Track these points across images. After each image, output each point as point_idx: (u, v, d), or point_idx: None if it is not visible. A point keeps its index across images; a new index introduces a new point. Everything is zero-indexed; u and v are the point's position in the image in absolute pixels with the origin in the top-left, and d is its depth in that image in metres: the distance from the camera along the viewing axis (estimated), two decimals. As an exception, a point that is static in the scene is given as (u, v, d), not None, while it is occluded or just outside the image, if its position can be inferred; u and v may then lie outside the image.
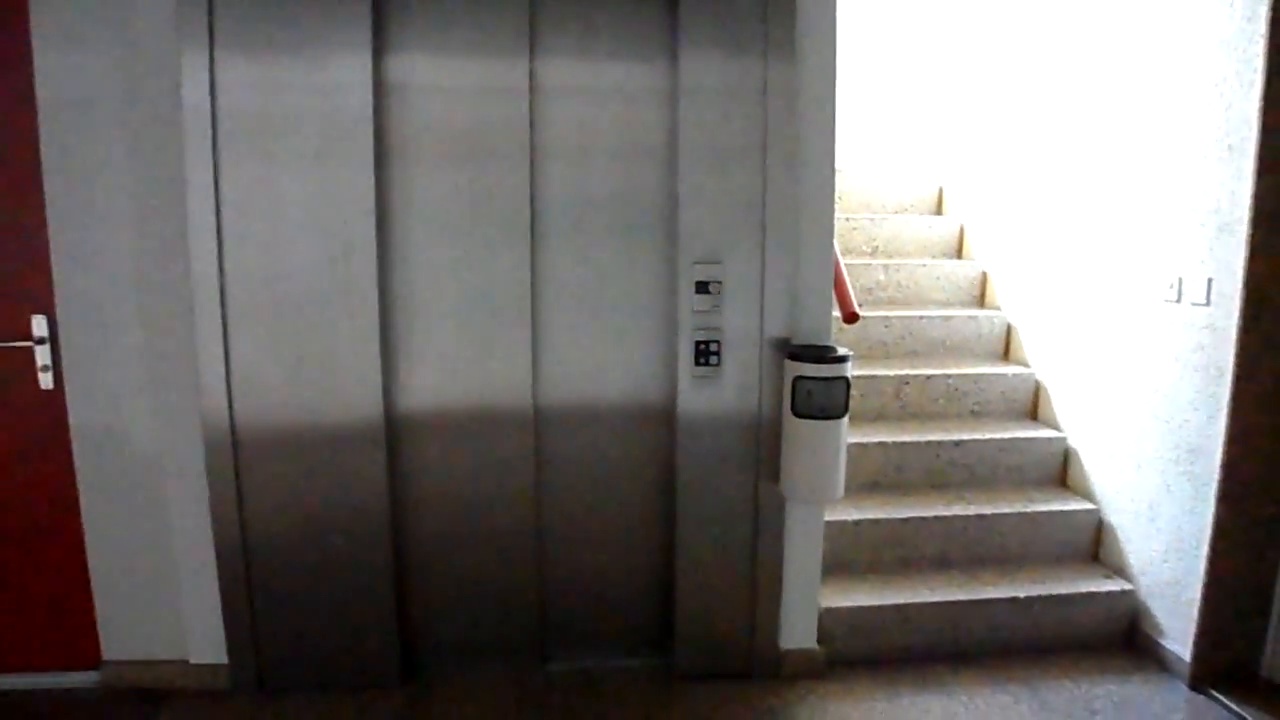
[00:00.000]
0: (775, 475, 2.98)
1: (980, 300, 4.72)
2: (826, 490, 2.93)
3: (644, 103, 2.86)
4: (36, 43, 2.63)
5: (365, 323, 2.76)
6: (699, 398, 2.93)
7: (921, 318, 4.40)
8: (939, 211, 5.25)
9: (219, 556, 2.85)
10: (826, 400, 2.82)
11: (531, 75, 2.79)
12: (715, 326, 2.88)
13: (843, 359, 2.82)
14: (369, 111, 2.69)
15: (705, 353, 2.89)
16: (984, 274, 4.72)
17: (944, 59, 5.33)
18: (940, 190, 5.26)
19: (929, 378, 4.13)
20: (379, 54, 2.71)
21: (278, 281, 2.73)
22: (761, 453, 2.97)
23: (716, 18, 2.78)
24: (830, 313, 2.99)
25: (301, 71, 2.65)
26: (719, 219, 2.85)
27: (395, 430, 2.89)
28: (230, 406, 2.75)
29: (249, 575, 2.87)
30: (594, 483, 3.05)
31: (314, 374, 2.77)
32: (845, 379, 2.82)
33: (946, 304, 4.67)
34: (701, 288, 2.86)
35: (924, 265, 4.70)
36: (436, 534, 3.00)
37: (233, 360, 2.72)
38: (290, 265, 2.73)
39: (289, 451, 2.81)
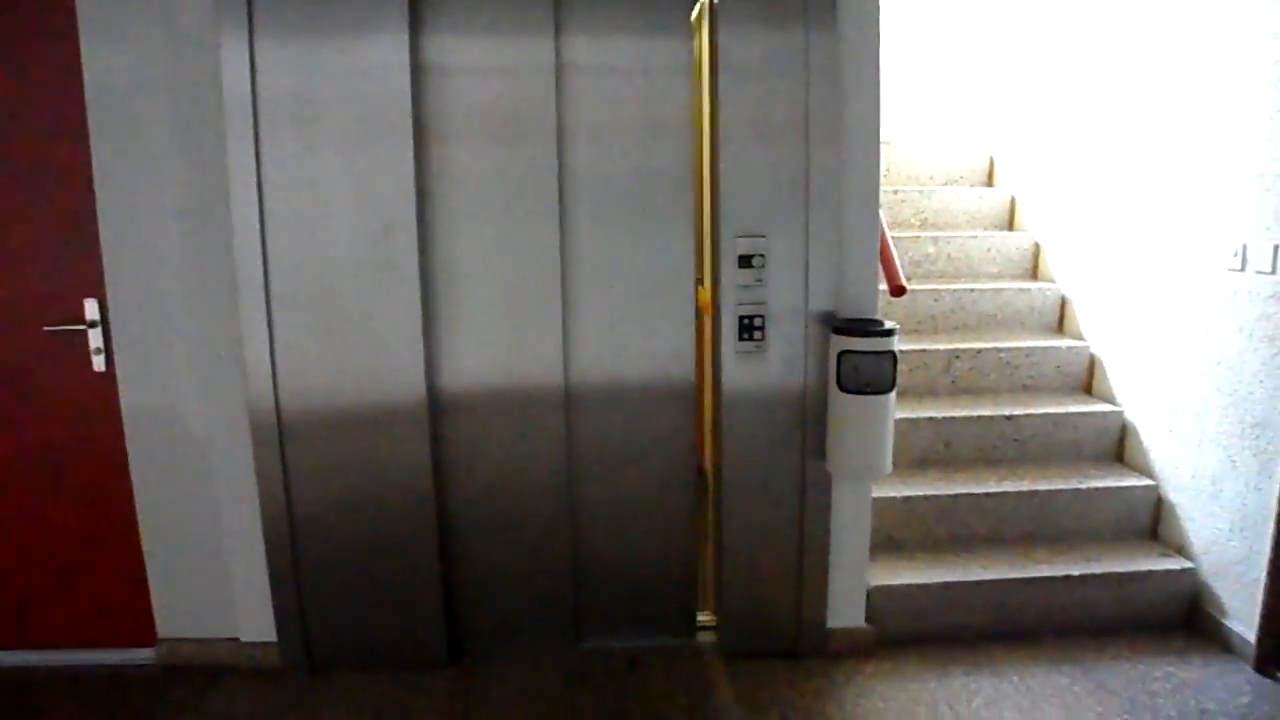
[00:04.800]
0: (822, 452, 2.93)
1: (1033, 273, 4.59)
2: (874, 467, 2.87)
3: (676, 77, 2.82)
4: (83, 31, 2.66)
5: (407, 301, 2.76)
6: (743, 373, 2.89)
7: (972, 291, 4.29)
8: (989, 183, 5.11)
9: (267, 537, 2.89)
10: (873, 375, 2.77)
11: (557, 53, 2.77)
12: (759, 301, 2.83)
13: (889, 332, 2.76)
14: (407, 92, 2.68)
15: (749, 328, 2.84)
16: (1036, 245, 4.59)
17: (994, 25, 5.18)
18: (991, 161, 5.12)
19: (980, 352, 4.03)
20: (415, 34, 2.69)
21: (320, 263, 2.74)
22: (807, 429, 2.93)
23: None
24: (876, 286, 2.92)
25: (339, 52, 2.65)
26: (762, 193, 2.80)
27: (438, 409, 2.89)
28: (275, 387, 2.77)
29: (296, 555, 2.91)
30: (628, 460, 3.04)
31: (357, 353, 2.79)
32: (892, 353, 2.76)
33: (998, 277, 4.56)
34: (745, 262, 2.81)
35: (974, 237, 4.58)
36: (477, 513, 3.01)
37: (277, 341, 2.75)
38: (332, 246, 2.74)
39: (334, 432, 2.83)
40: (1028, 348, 4.06)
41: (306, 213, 2.71)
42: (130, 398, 2.87)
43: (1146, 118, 3.63)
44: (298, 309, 2.74)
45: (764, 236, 2.81)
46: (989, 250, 4.56)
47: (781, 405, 2.92)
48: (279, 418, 2.80)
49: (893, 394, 2.80)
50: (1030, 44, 4.70)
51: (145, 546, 2.98)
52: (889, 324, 2.78)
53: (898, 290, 3.22)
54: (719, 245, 2.84)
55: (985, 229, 4.79)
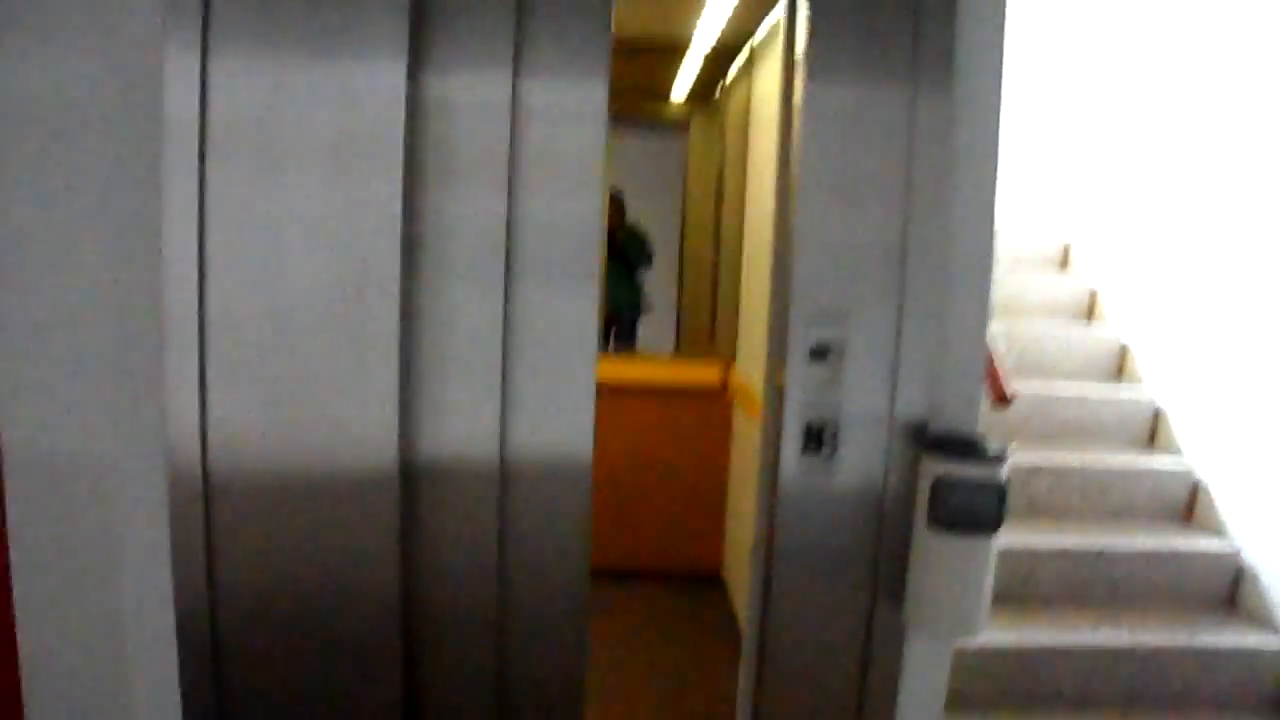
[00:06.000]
0: (898, 596, 2.32)
1: (1118, 372, 4.01)
2: (963, 623, 2.25)
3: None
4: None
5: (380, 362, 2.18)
6: (804, 490, 2.29)
7: (1054, 397, 3.70)
8: (1064, 269, 4.55)
9: (180, 625, 2.22)
10: (973, 509, 2.16)
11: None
12: (832, 404, 2.25)
13: (999, 458, 2.16)
14: (399, 125, 2.12)
15: (817, 436, 2.25)
16: (1121, 343, 4.01)
17: (1070, 103, 4.66)
18: (1066, 247, 4.57)
19: (1062, 469, 3.43)
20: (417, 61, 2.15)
21: (274, 313, 2.16)
22: (881, 567, 2.32)
23: (850, 31, 2.19)
24: (981, 392, 2.34)
25: (316, 77, 2.10)
26: (845, 267, 2.23)
27: (411, 491, 2.27)
28: (204, 452, 2.16)
29: (217, 650, 2.24)
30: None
31: (311, 418, 2.19)
32: (1000, 484, 2.16)
33: (1074, 374, 3.97)
34: (818, 355, 2.23)
35: (1050, 329, 4.01)
36: (456, 608, 2.36)
37: (210, 402, 2.14)
38: (290, 294, 2.16)
39: (276, 509, 2.21)
40: (1119, 468, 3.45)
41: (261, 254, 2.13)
42: (12, 433, 2.26)
43: (1256, 198, 3.07)
44: (242, 363, 2.15)
45: (844, 322, 2.23)
46: (1066, 345, 3.99)
47: (850, 534, 2.31)
48: (207, 488, 2.16)
49: (996, 537, 2.20)
50: (1113, 121, 4.18)
51: (20, 627, 2.33)
52: (999, 446, 2.19)
53: (1002, 398, 2.63)
54: (785, 329, 2.26)
55: (1061, 319, 4.22)
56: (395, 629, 2.27)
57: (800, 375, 2.24)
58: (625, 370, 4.24)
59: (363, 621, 2.27)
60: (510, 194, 2.17)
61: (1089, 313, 4.23)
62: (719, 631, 3.84)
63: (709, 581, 4.23)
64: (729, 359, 4.14)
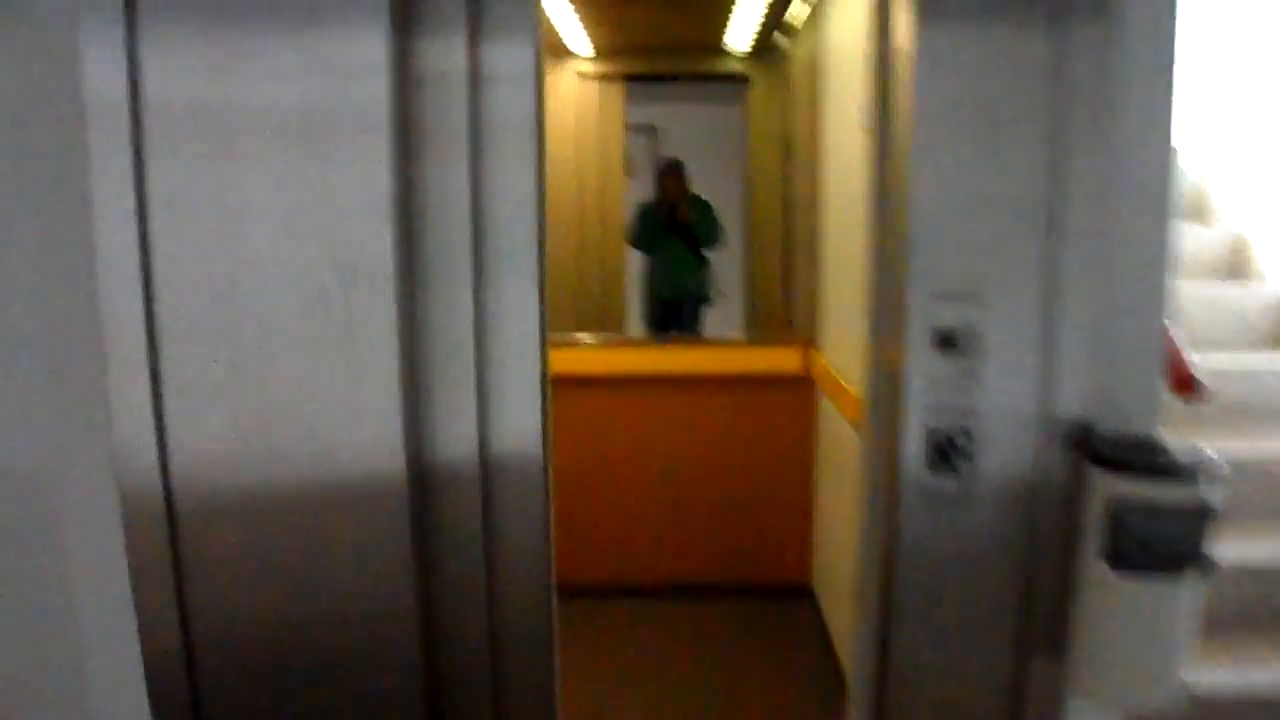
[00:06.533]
0: (1057, 650, 1.78)
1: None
2: (1151, 690, 1.71)
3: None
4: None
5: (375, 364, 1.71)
6: (930, 520, 1.77)
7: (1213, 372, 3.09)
8: (1202, 219, 3.90)
9: (148, 669, 1.80)
10: (1168, 542, 1.62)
11: None
12: (966, 406, 1.71)
13: (1202, 471, 1.60)
14: (383, 95, 1.65)
15: (946, 450, 1.72)
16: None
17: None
18: (1200, 190, 3.91)
19: (1236, 462, 2.81)
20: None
21: (241, 315, 1.71)
22: (1034, 612, 1.79)
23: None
24: (1160, 383, 1.78)
25: (277, 44, 1.63)
26: (977, 227, 1.69)
27: (418, 511, 1.81)
28: (165, 474, 1.72)
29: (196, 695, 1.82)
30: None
31: (293, 432, 1.73)
32: (1205, 508, 1.61)
33: (1228, 344, 3.34)
34: (944, 340, 1.69)
35: (1193, 291, 3.38)
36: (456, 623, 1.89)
37: (169, 416, 1.70)
38: (260, 294, 1.70)
39: (255, 534, 1.76)
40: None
41: (219, 253, 1.68)
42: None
43: None
44: (204, 367, 1.70)
45: (977, 299, 1.69)
46: (1215, 307, 3.35)
47: (993, 574, 1.79)
48: (170, 509, 1.73)
49: (1199, 579, 1.64)
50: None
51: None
52: (1193, 451, 1.63)
53: (1185, 384, 2.06)
54: (897, 309, 1.74)
55: (1204, 278, 3.57)
56: (415, 652, 1.82)
57: (922, 368, 1.71)
58: (690, 359, 3.74)
59: (379, 651, 1.82)
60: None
61: (1240, 268, 3.57)
62: (809, 650, 3.37)
63: (797, 593, 3.75)
64: (809, 343, 3.61)
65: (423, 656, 1.81)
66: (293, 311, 1.74)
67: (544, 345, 1.87)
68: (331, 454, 1.75)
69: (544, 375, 1.87)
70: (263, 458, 1.76)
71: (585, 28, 4.16)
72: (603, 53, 4.61)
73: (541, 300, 1.83)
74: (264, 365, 1.73)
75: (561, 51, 4.55)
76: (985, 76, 1.67)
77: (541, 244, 1.82)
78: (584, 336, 3.89)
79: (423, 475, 1.78)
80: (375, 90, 1.71)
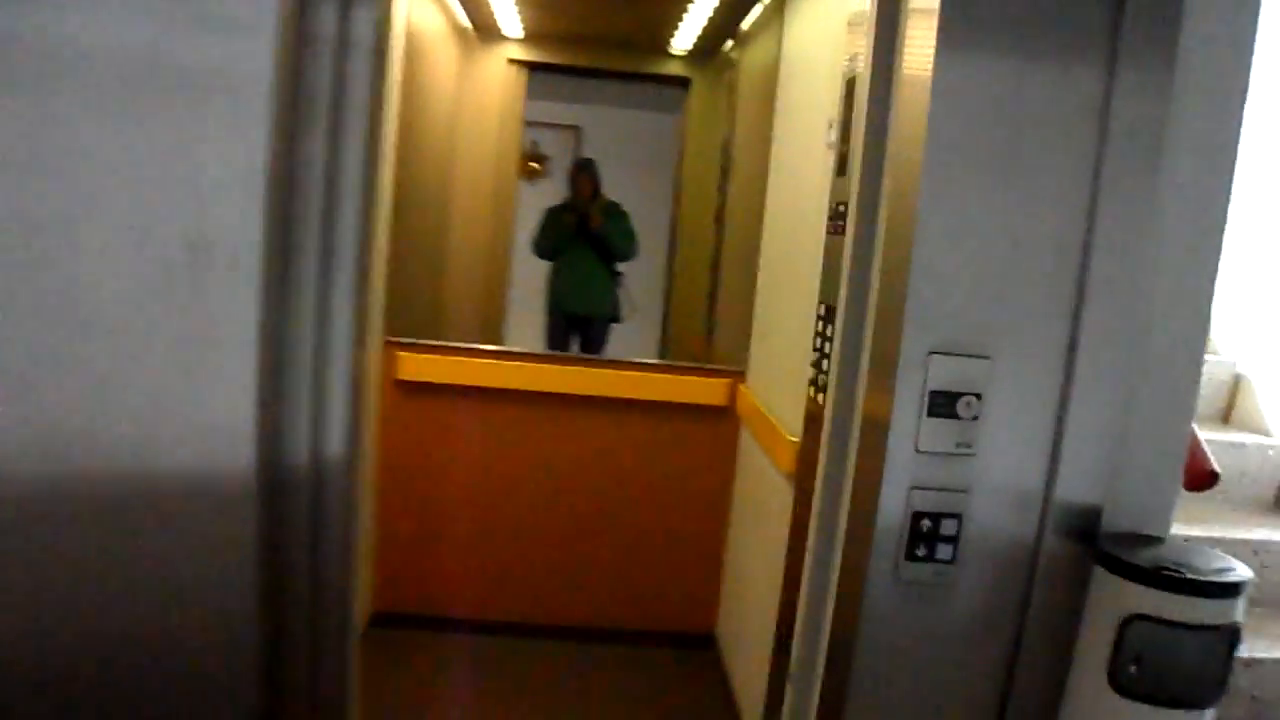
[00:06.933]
0: (1036, 780, 1.50)
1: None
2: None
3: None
4: None
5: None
6: (905, 617, 1.47)
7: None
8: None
9: None
10: (1190, 669, 1.35)
11: None
12: (959, 484, 1.42)
13: (1235, 588, 1.34)
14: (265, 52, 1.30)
15: (930, 535, 1.42)
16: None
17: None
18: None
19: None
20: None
21: (60, 292, 1.31)
22: (1010, 732, 1.51)
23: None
24: (1179, 472, 1.52)
25: None
26: (988, 273, 1.40)
27: (269, 503, 1.43)
28: None
29: None
30: None
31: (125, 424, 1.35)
32: (1232, 628, 1.35)
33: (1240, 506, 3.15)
34: (942, 404, 1.40)
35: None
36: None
37: None
38: (86, 267, 1.30)
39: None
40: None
41: (35, 220, 1.28)
42: None
43: None
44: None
45: (984, 360, 1.40)
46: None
47: (977, 679, 1.50)
48: None
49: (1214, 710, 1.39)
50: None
51: None
52: (1232, 570, 1.37)
53: (1203, 479, 1.82)
54: (886, 361, 1.44)
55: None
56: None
57: (910, 433, 1.41)
58: (602, 381, 3.38)
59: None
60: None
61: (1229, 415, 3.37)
62: (707, 702, 3.09)
63: (699, 642, 3.44)
64: (736, 375, 3.31)
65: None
66: (124, 288, 1.34)
67: (360, 347, 1.55)
68: (170, 453, 1.38)
69: (356, 380, 1.54)
70: (73, 453, 1.36)
71: (519, 8, 3.78)
72: (532, 38, 4.23)
73: (359, 296, 1.50)
74: (84, 349, 1.32)
75: (494, 34, 4.16)
76: (1017, 111, 1.39)
77: (368, 236, 1.49)
78: (479, 345, 3.47)
79: (270, 479, 1.43)
80: (258, 47, 1.35)
